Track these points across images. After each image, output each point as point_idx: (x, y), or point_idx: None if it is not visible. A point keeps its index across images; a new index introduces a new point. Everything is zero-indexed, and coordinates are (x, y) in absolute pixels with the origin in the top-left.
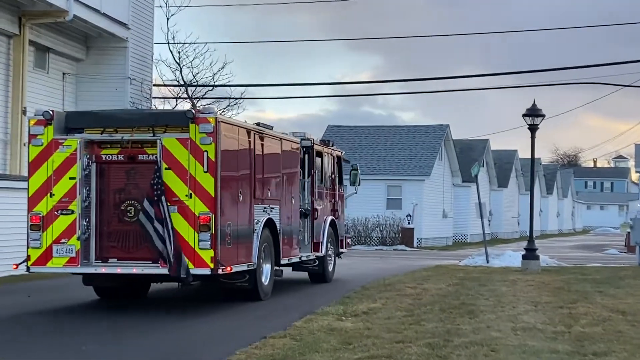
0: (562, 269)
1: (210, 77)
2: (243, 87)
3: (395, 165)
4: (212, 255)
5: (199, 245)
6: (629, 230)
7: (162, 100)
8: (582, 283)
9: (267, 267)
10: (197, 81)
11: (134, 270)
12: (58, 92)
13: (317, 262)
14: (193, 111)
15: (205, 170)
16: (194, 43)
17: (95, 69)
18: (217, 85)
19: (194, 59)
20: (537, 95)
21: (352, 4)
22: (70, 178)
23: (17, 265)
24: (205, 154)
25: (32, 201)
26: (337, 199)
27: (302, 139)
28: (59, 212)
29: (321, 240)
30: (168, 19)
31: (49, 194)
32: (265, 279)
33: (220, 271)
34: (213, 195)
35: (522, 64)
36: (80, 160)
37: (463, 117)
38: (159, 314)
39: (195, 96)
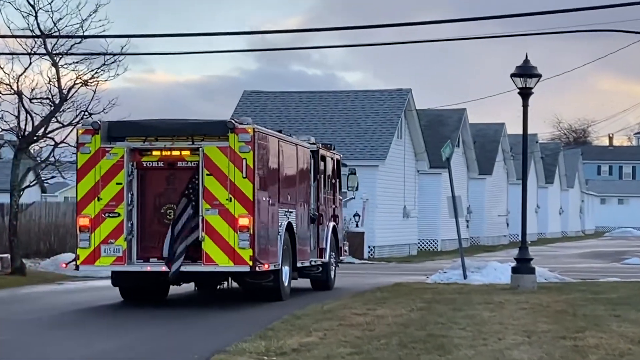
0: (566, 286)
1: (78, 25)
2: (124, 38)
3: (337, 145)
4: (251, 254)
5: (238, 244)
6: None
7: (11, 57)
8: (593, 305)
9: (286, 269)
10: (59, 31)
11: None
12: None
13: (321, 269)
14: (233, 122)
15: (244, 176)
16: None
17: None
18: (87, 36)
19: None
20: (531, 49)
21: None
22: (117, 183)
23: (67, 264)
24: (244, 161)
25: (81, 205)
26: (336, 204)
27: (308, 144)
28: (106, 214)
29: (325, 246)
30: None
31: (96, 198)
32: (286, 279)
33: (257, 268)
34: (251, 199)
35: (510, 7)
36: (126, 166)
37: (430, 79)
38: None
39: (57, 51)
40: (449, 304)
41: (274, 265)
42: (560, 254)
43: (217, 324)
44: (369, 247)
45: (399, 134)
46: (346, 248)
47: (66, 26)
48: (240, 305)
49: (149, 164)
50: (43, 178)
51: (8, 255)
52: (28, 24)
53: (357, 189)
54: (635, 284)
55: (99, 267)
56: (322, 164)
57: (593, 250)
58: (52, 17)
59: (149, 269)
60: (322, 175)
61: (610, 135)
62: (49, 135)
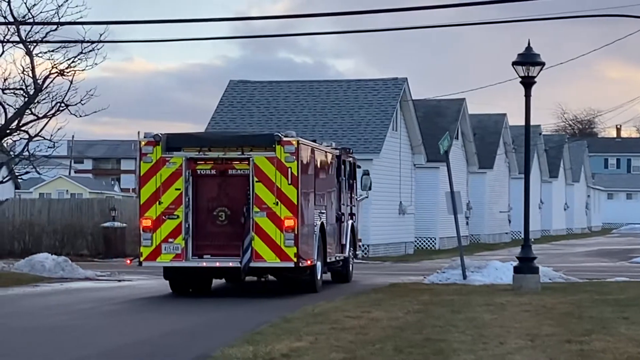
0: (572, 287)
1: (54, 11)
2: (102, 25)
3: (329, 138)
4: (295, 251)
5: (284, 243)
6: None
7: None
8: (600, 306)
9: (319, 264)
10: (33, 17)
11: (230, 264)
12: None
13: (342, 263)
14: (280, 135)
15: (289, 182)
16: None
17: None
18: (63, 23)
19: None
20: (534, 35)
21: None
22: (176, 189)
23: (131, 260)
24: (289, 169)
25: (144, 208)
26: (353, 204)
27: (332, 149)
28: (166, 217)
29: (345, 242)
30: None
31: (157, 202)
32: (319, 274)
33: (300, 264)
34: (296, 203)
35: None
36: (184, 174)
37: (427, 68)
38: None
39: (32, 39)
40: (447, 306)
41: (311, 262)
42: (565, 252)
43: (202, 327)
44: (363, 245)
45: (394, 126)
46: (360, 244)
47: (41, 12)
48: (228, 307)
49: (203, 171)
50: (17, 174)
51: None
52: (1, 11)
53: (370, 188)
54: None
55: (160, 263)
56: (343, 167)
57: (600, 248)
58: (26, 3)
59: (204, 264)
60: (343, 177)
61: (618, 126)
62: (23, 128)
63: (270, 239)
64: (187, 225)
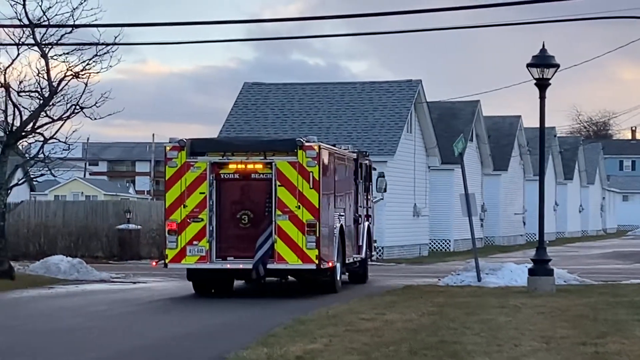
0: (587, 289)
1: (68, 14)
2: (116, 27)
3: (343, 140)
4: (317, 253)
5: (306, 245)
6: None
7: None
8: (615, 308)
9: (339, 266)
10: (48, 20)
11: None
12: None
13: (359, 264)
14: (302, 140)
15: (311, 186)
16: None
17: None
18: (78, 26)
19: None
20: (548, 36)
21: None
22: (201, 193)
23: (157, 262)
24: (310, 174)
25: (169, 211)
26: (369, 205)
27: (350, 152)
28: (191, 220)
29: (362, 244)
30: None
31: (182, 206)
32: (338, 275)
33: (322, 266)
34: (317, 206)
35: None
36: (208, 178)
37: (442, 70)
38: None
39: (47, 41)
40: (462, 308)
41: (331, 263)
42: (580, 255)
43: (216, 330)
44: (378, 247)
45: (408, 128)
46: (375, 245)
47: (56, 15)
48: (244, 308)
49: (226, 175)
50: (32, 176)
51: None
52: (16, 13)
53: (385, 190)
54: None
55: (185, 265)
56: (360, 169)
57: (615, 250)
58: (41, 6)
59: (228, 266)
60: (360, 180)
61: (633, 128)
62: (38, 131)
63: (292, 241)
64: (211, 228)
